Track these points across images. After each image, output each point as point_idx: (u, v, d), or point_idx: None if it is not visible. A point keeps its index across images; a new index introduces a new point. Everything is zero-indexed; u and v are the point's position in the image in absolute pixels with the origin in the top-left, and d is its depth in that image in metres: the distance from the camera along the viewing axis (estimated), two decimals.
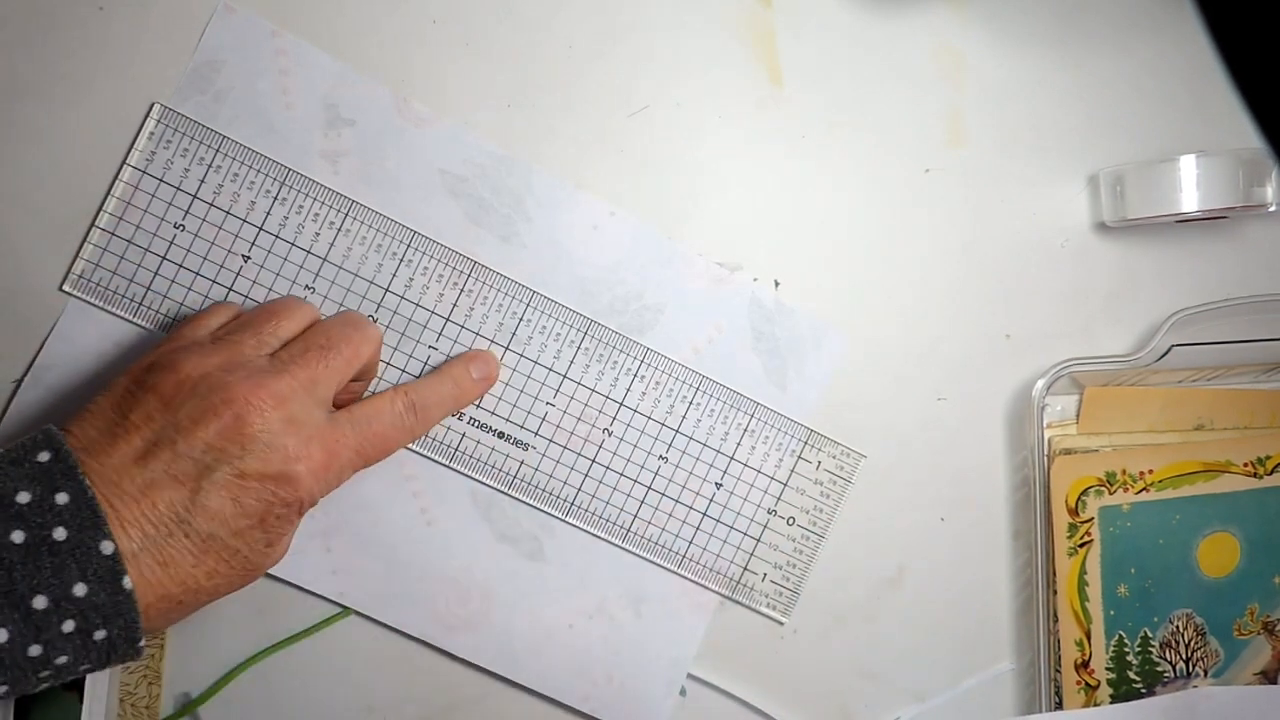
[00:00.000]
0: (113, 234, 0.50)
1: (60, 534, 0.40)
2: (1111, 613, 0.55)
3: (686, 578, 0.54)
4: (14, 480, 0.40)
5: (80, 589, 0.40)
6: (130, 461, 0.42)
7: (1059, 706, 0.55)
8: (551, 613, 0.53)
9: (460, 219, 0.51)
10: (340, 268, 0.51)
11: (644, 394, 0.53)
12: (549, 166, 0.52)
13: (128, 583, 0.40)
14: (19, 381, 0.50)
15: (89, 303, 0.50)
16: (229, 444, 0.42)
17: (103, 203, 0.49)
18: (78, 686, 0.47)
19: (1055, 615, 0.55)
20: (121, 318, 0.50)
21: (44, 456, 0.41)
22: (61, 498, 0.40)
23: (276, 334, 0.47)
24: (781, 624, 0.55)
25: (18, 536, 0.40)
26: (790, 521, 0.54)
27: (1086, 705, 0.55)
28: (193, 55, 0.50)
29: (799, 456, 0.54)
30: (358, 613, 0.52)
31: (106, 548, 0.40)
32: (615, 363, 0.53)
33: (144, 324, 0.50)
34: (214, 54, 0.50)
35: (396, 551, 0.52)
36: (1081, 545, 0.55)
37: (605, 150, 0.52)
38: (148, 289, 0.50)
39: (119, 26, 0.49)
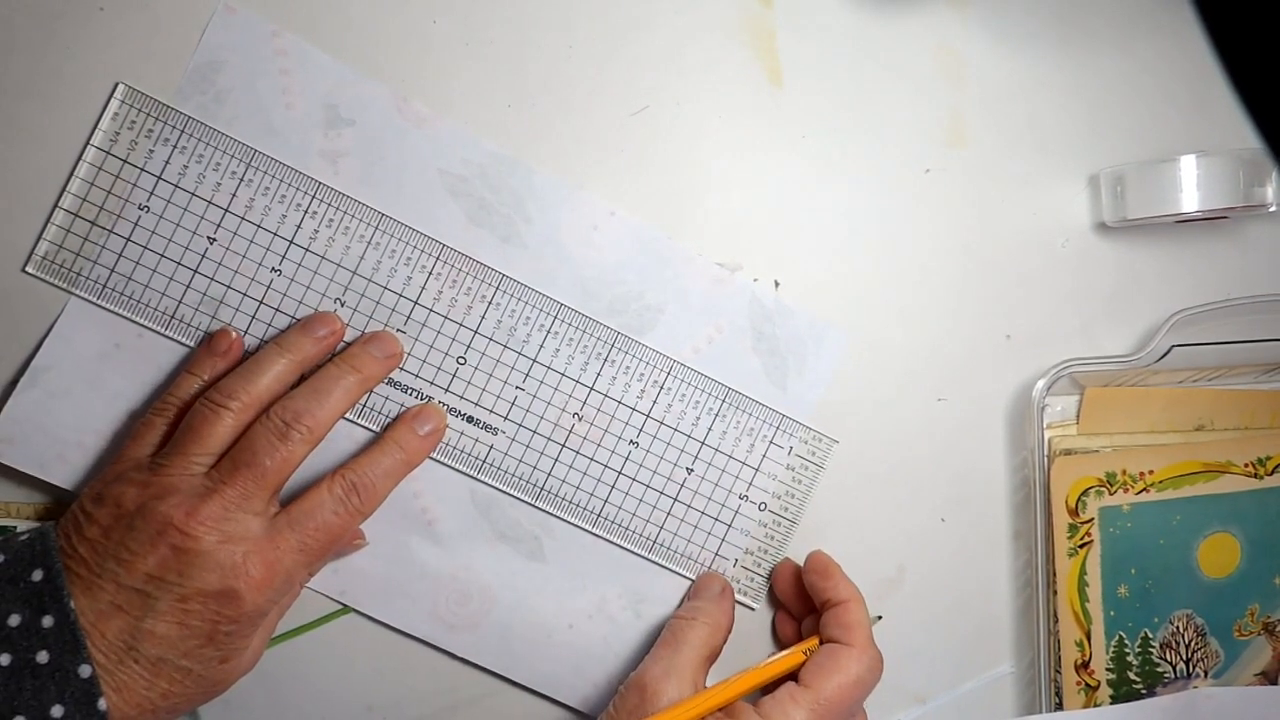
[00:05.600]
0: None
1: (43, 657, 0.43)
2: (1112, 613, 0.55)
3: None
4: (8, 602, 0.43)
5: (58, 710, 0.43)
6: (79, 594, 0.44)
7: (1059, 707, 0.55)
8: (551, 612, 0.53)
9: (460, 219, 0.51)
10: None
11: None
12: (549, 166, 0.52)
13: (103, 704, 0.43)
14: (14, 382, 0.50)
15: (93, 302, 0.50)
16: (167, 572, 0.45)
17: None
18: None
19: (1055, 616, 0.55)
20: (123, 316, 0.50)
21: (37, 575, 0.44)
22: (47, 621, 0.43)
23: (210, 450, 0.47)
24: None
25: (4, 659, 0.43)
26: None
27: (1087, 706, 0.55)
28: (193, 55, 0.50)
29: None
30: (358, 611, 0.52)
31: (84, 671, 0.43)
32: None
33: (143, 321, 0.50)
34: (214, 54, 0.50)
35: (396, 550, 0.52)
36: (1082, 546, 0.55)
37: (605, 150, 0.52)
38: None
39: (119, 26, 0.49)
